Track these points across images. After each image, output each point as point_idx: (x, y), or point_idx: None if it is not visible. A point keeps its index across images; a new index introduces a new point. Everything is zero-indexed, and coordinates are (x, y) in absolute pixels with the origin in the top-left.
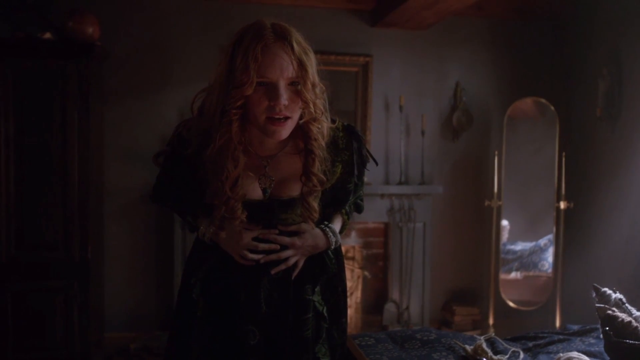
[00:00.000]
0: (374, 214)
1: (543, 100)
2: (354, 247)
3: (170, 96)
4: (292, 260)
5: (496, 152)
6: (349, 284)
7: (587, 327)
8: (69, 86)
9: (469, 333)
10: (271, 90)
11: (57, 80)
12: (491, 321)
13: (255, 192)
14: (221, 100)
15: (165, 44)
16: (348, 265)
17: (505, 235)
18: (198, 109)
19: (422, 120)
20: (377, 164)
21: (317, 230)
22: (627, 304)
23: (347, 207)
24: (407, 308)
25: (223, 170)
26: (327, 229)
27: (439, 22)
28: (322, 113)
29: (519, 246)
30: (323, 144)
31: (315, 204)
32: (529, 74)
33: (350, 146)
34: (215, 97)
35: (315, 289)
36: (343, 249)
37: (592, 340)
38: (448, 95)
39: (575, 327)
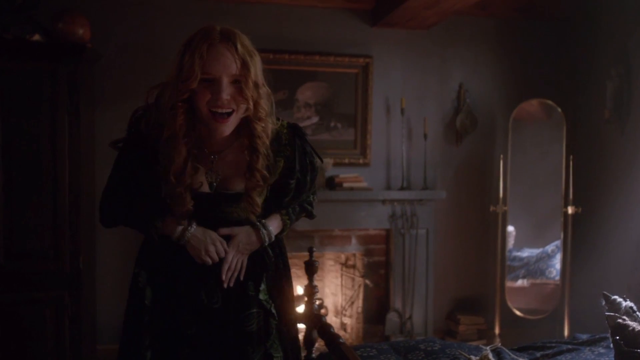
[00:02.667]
0: (375, 220)
1: (549, 102)
2: (354, 255)
3: None
4: (234, 263)
5: (501, 156)
6: (349, 292)
7: (597, 336)
8: (59, 89)
9: (474, 343)
10: (214, 86)
11: (47, 83)
12: (497, 331)
13: (204, 184)
14: (172, 96)
15: (158, 45)
16: (348, 274)
17: (511, 242)
18: (154, 102)
19: (424, 123)
20: (321, 160)
21: (248, 227)
22: (637, 312)
23: (289, 209)
24: (410, 317)
25: (170, 160)
26: (259, 225)
27: (441, 21)
28: (267, 114)
29: (526, 253)
30: (267, 142)
31: (258, 199)
32: (534, 75)
33: (292, 142)
34: (168, 93)
35: (261, 288)
36: (343, 256)
37: (602, 350)
38: (451, 98)
39: (584, 337)
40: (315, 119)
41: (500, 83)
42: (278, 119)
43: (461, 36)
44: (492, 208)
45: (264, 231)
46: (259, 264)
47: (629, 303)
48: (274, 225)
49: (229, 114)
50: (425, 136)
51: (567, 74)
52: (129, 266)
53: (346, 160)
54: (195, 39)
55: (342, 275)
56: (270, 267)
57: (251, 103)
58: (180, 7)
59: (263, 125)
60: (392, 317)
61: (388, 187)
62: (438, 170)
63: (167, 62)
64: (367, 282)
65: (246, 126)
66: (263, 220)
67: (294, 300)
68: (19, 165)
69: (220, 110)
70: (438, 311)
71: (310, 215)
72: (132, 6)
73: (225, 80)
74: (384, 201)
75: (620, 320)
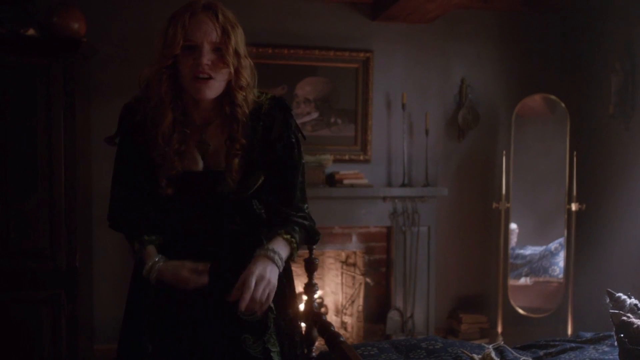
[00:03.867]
0: (375, 217)
1: (553, 97)
2: (355, 253)
3: None
4: (259, 291)
5: (504, 152)
6: (350, 291)
7: (601, 334)
8: (54, 84)
9: (476, 342)
10: (196, 52)
11: (42, 78)
12: (500, 329)
13: (193, 160)
14: (157, 64)
15: (154, 39)
16: (349, 272)
17: (513, 239)
18: (144, 84)
19: (425, 118)
20: (304, 137)
21: (259, 260)
22: None
23: (288, 228)
24: (412, 316)
25: (158, 124)
26: (268, 252)
27: (443, 15)
28: (248, 84)
29: (529, 250)
30: (247, 111)
31: (236, 165)
32: (537, 69)
33: (273, 113)
34: (155, 66)
35: None
36: (343, 254)
37: (606, 348)
38: (453, 93)
39: (588, 335)
40: (315, 115)
41: (502, 78)
42: (263, 93)
43: (463, 30)
44: (494, 205)
45: (276, 257)
46: None
47: (633, 300)
48: (283, 250)
49: (211, 77)
50: (426, 132)
51: (571, 69)
52: (127, 264)
53: (346, 157)
54: (179, 11)
55: (342, 273)
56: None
57: (232, 68)
58: (177, 1)
59: (244, 94)
60: (393, 316)
61: (389, 184)
62: (440, 166)
63: None
64: (368, 280)
65: (227, 96)
66: (270, 246)
67: (294, 296)
68: (14, 162)
69: (201, 75)
70: (440, 310)
71: (315, 235)
72: (128, 0)
73: (207, 47)
74: (384, 198)
75: (624, 318)
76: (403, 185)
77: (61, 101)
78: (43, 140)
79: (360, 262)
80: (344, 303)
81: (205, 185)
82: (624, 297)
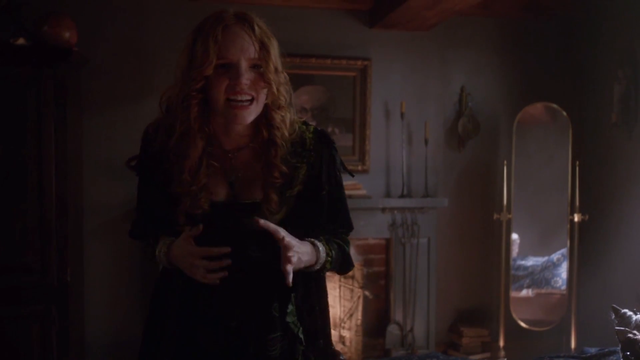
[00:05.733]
0: (374, 229)
1: (554, 106)
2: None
3: (154, 105)
4: (293, 257)
5: (505, 162)
6: (348, 304)
7: (606, 349)
8: (45, 95)
9: (478, 356)
10: (232, 71)
11: (32, 88)
12: (502, 343)
13: (219, 189)
14: (184, 87)
15: (148, 49)
16: (347, 285)
17: (515, 250)
18: (165, 106)
19: (425, 127)
20: (352, 175)
21: (304, 242)
22: None
23: (327, 238)
24: (412, 330)
25: (185, 157)
26: (316, 242)
27: (442, 22)
28: (286, 101)
29: (531, 262)
30: (286, 134)
31: (275, 197)
32: (539, 77)
33: (318, 149)
34: (179, 87)
35: (289, 310)
36: None
37: None
38: (453, 101)
39: (593, 350)
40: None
41: (503, 86)
42: (305, 123)
43: (463, 37)
44: (495, 216)
45: (323, 253)
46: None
47: (639, 317)
48: (322, 249)
49: (250, 102)
50: (426, 141)
51: (573, 76)
52: (119, 279)
53: None
54: (207, 23)
55: (340, 286)
56: (299, 287)
57: (275, 87)
58: (171, 10)
59: (282, 114)
60: (392, 330)
61: (388, 195)
62: (440, 176)
63: (157, 66)
64: (367, 293)
65: (263, 117)
66: (313, 240)
67: (327, 324)
68: (3, 174)
69: (239, 97)
70: (440, 323)
71: (348, 265)
72: (121, 8)
73: (244, 64)
74: (383, 209)
75: (630, 335)
76: (402, 196)
77: (52, 112)
78: (33, 151)
79: (358, 275)
80: (342, 317)
81: (232, 218)
82: (629, 313)
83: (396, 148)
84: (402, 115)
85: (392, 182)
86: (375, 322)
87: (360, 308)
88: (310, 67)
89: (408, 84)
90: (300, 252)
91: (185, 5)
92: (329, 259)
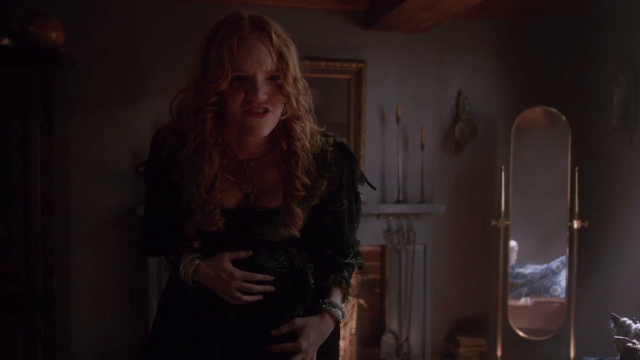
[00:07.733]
0: (369, 235)
1: (553, 110)
2: None
3: (143, 107)
4: None
5: (503, 167)
6: None
7: (605, 359)
8: (30, 97)
9: None
10: (248, 84)
11: (17, 90)
12: (499, 352)
13: (234, 199)
14: (196, 99)
15: (137, 50)
16: None
17: (513, 258)
18: (176, 111)
19: (421, 132)
20: (374, 188)
21: (315, 318)
22: None
23: (345, 272)
24: (407, 339)
25: (199, 172)
26: (327, 306)
27: (439, 24)
28: (306, 111)
29: (529, 269)
30: (307, 145)
31: (299, 211)
32: (537, 81)
33: (339, 163)
34: (191, 95)
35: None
36: None
37: None
38: (449, 105)
39: (592, 359)
40: None
41: (501, 89)
42: (324, 135)
43: (460, 40)
44: (493, 222)
45: (339, 312)
46: (298, 296)
47: (639, 325)
48: (338, 298)
49: (267, 110)
50: (422, 146)
51: (572, 80)
52: (107, 286)
53: None
54: (222, 30)
55: None
56: (309, 298)
57: (293, 100)
58: (161, 10)
59: (302, 125)
60: (387, 339)
61: (383, 201)
62: (436, 182)
63: (146, 67)
64: (361, 301)
65: (282, 126)
66: (328, 300)
67: (336, 355)
68: None
69: (256, 110)
70: (437, 332)
71: (361, 266)
72: (109, 7)
73: (261, 77)
74: (378, 215)
75: (630, 344)
76: (398, 201)
77: (38, 114)
78: (18, 155)
79: (353, 283)
80: None
81: (242, 225)
82: (629, 321)
83: (392, 153)
84: (397, 119)
85: (388, 188)
86: (370, 331)
87: (354, 317)
88: (304, 70)
89: (404, 87)
90: (316, 345)
91: (175, 6)
92: (343, 311)
